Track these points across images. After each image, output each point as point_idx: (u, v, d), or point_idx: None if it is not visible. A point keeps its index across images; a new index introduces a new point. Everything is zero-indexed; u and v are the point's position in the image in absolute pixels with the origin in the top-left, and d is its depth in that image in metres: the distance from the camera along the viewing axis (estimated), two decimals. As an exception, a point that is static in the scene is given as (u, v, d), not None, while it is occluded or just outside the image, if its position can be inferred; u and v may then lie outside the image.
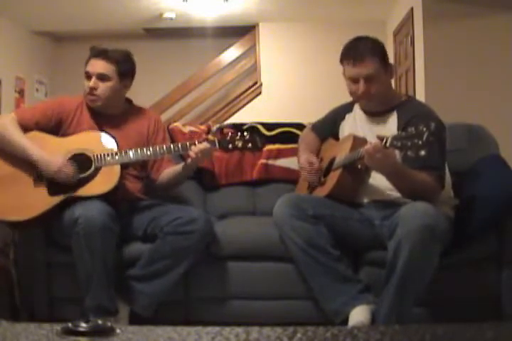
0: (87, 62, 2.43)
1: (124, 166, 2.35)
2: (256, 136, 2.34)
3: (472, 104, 4.78)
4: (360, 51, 2.25)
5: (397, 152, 2.04)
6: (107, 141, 2.35)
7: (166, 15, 6.68)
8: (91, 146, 2.31)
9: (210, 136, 2.85)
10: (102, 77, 2.39)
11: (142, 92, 5.33)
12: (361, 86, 2.25)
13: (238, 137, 2.31)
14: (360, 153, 2.12)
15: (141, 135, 2.50)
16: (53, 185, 2.28)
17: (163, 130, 2.60)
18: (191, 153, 2.27)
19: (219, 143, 2.30)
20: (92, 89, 2.38)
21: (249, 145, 2.32)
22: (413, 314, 2.08)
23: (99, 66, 2.39)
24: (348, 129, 2.44)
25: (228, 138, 2.31)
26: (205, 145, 2.27)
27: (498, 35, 4.91)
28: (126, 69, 2.44)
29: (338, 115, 2.53)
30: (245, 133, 2.32)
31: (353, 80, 2.28)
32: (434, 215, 2.01)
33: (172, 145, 2.34)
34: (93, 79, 2.38)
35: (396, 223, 2.03)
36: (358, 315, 2.06)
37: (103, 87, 2.39)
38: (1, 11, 6.18)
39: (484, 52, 4.91)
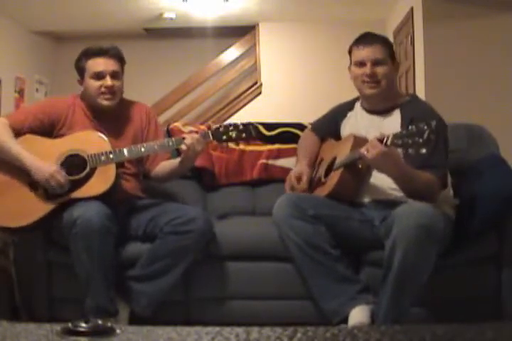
0: (84, 63, 2.39)
1: (120, 164, 2.33)
2: (250, 126, 2.30)
3: (472, 104, 4.78)
4: (372, 37, 2.34)
5: (399, 150, 2.04)
6: (101, 140, 2.32)
7: (166, 15, 6.68)
8: (85, 146, 2.28)
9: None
10: (115, 75, 2.39)
11: (142, 92, 5.34)
12: (368, 68, 2.27)
13: (232, 128, 2.28)
14: (360, 153, 2.12)
15: (136, 129, 2.49)
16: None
17: (155, 120, 2.58)
18: (187, 141, 2.23)
19: (212, 134, 2.27)
20: (111, 87, 2.37)
21: (244, 135, 2.28)
22: (412, 314, 2.08)
23: (111, 64, 2.38)
24: (349, 127, 2.44)
25: (222, 129, 2.28)
26: (197, 136, 2.25)
27: (498, 35, 4.91)
28: (124, 65, 2.46)
29: (339, 113, 2.53)
30: (238, 123, 2.30)
31: (360, 63, 2.30)
32: (431, 215, 1.99)
33: (166, 140, 2.32)
34: (108, 77, 2.36)
35: (392, 222, 2.03)
36: (357, 315, 2.06)
37: (118, 85, 2.39)
38: (1, 10, 6.18)
39: (484, 52, 4.91)
